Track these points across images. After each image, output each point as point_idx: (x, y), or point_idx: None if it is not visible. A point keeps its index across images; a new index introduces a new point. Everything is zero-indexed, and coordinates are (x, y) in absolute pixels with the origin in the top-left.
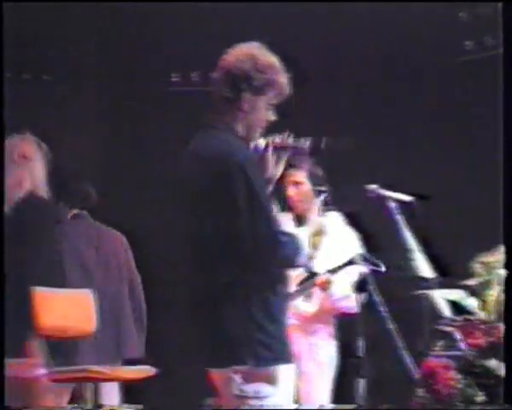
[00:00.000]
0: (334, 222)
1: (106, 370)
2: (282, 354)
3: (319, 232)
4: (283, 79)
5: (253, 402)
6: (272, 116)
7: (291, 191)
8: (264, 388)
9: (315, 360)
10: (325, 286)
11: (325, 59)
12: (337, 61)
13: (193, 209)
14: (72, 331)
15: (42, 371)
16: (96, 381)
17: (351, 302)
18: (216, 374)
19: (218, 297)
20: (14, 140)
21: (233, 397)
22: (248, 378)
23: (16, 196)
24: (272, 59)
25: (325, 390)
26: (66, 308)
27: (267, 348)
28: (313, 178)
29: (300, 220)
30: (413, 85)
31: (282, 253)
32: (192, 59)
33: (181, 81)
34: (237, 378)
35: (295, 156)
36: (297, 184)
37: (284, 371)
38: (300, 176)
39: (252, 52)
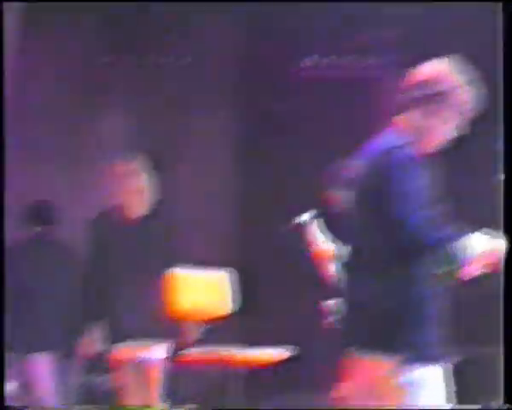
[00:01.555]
0: None
1: (238, 352)
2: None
3: None
4: (461, 93)
5: (411, 390)
6: (454, 133)
7: None
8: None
9: None
10: None
11: None
12: None
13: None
14: (208, 313)
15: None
16: (228, 364)
17: None
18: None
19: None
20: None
21: (391, 385)
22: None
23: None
24: (455, 74)
25: None
26: (202, 290)
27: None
28: None
29: None
30: None
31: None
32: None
33: (313, 67)
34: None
35: None
36: None
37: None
38: None
39: (436, 66)
